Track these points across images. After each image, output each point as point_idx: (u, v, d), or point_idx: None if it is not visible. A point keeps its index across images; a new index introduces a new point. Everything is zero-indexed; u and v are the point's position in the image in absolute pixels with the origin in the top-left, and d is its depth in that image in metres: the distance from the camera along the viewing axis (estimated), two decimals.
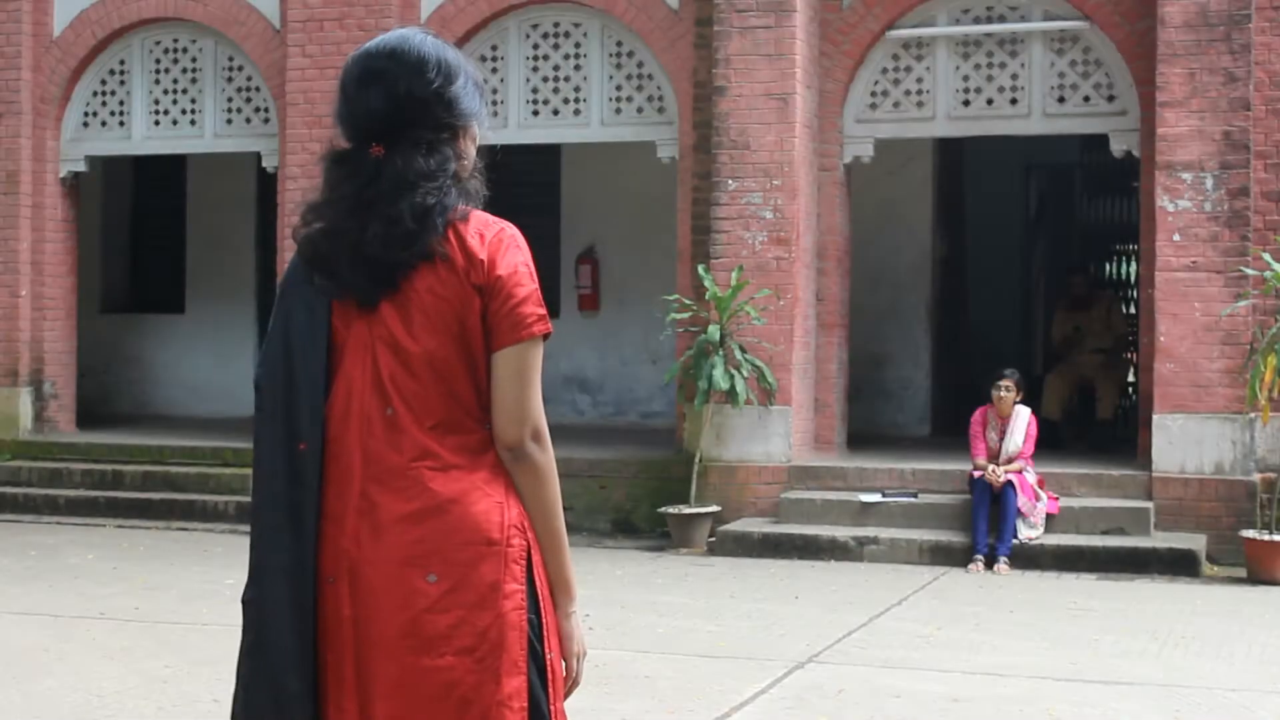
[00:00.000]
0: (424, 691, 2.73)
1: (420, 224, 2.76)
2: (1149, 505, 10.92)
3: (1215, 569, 10.51)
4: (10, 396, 14.11)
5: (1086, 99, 11.94)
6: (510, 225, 2.85)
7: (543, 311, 2.84)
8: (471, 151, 2.94)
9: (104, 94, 14.32)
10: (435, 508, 2.75)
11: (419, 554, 2.74)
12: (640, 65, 12.90)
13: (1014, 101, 12.10)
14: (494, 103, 13.21)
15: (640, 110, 12.93)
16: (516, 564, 2.77)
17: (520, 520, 2.80)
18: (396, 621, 2.73)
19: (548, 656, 2.82)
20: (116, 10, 14.08)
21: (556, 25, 13.10)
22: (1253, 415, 10.82)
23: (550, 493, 2.83)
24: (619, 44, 12.96)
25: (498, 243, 2.80)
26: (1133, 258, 16.46)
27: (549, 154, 15.44)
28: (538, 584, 2.82)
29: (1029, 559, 10.54)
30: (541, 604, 2.82)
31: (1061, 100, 11.99)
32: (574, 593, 2.90)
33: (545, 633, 2.82)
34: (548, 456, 2.82)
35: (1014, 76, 12.08)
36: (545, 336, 2.86)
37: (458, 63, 2.91)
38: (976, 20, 12.18)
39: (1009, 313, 16.71)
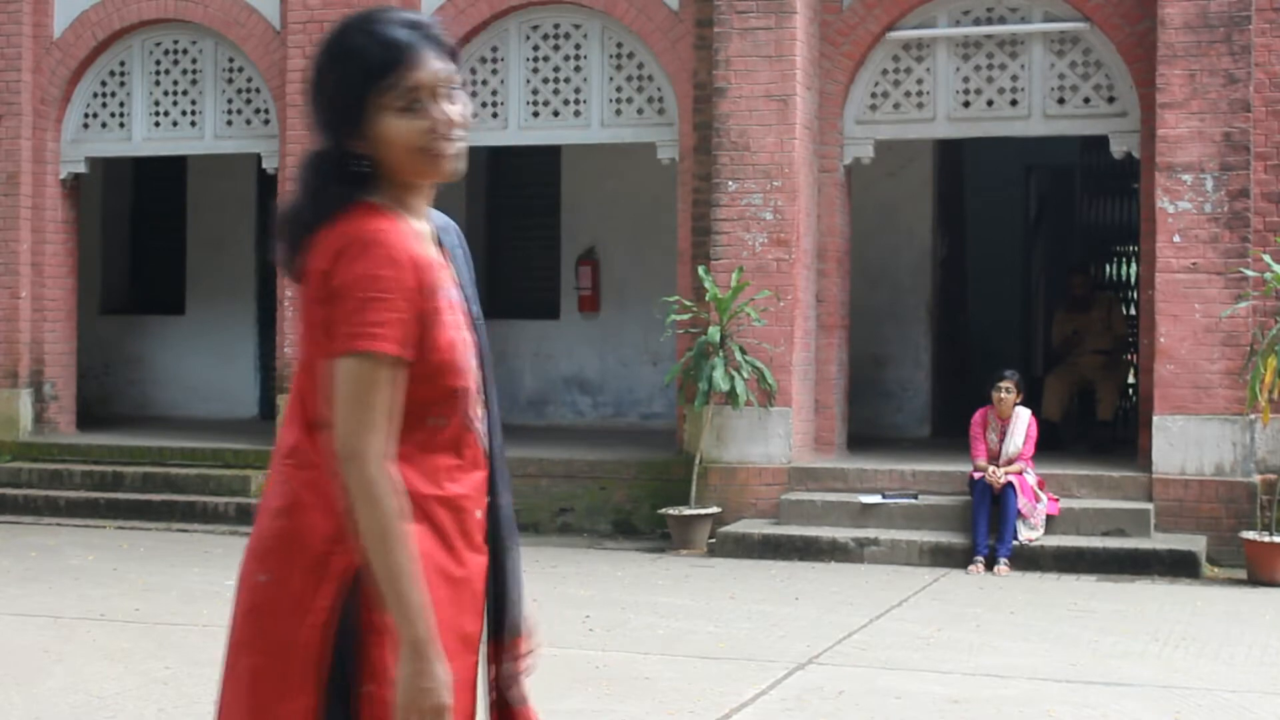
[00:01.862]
0: (231, 689, 2.72)
1: (279, 237, 2.77)
2: (1149, 506, 10.92)
3: (1215, 570, 10.51)
4: (10, 398, 14.11)
5: (1086, 100, 11.95)
6: (376, 232, 2.63)
7: (366, 328, 2.58)
8: (372, 145, 2.70)
9: (104, 95, 14.33)
10: (286, 507, 2.70)
11: (261, 550, 2.72)
12: (640, 66, 12.91)
13: (1014, 103, 12.10)
14: (494, 104, 13.23)
15: (640, 111, 12.93)
16: (332, 581, 2.62)
17: (354, 537, 2.63)
18: (235, 615, 2.75)
19: (364, 690, 2.60)
20: (117, 11, 14.08)
21: (557, 26, 13.11)
22: (1253, 417, 10.82)
23: (366, 522, 2.57)
24: (619, 45, 12.96)
25: (342, 251, 2.61)
26: (1133, 259, 16.46)
27: (549, 155, 15.45)
28: (364, 611, 2.62)
29: (1029, 560, 10.54)
30: (364, 633, 2.61)
31: (1061, 101, 12.00)
32: (414, 637, 2.56)
33: (366, 666, 2.61)
34: (359, 482, 2.58)
35: (1014, 78, 12.08)
36: (385, 358, 2.59)
37: (328, 53, 2.72)
38: (977, 22, 12.19)
39: (1009, 314, 16.71)
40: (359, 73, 2.67)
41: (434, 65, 2.69)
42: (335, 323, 2.60)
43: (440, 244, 2.84)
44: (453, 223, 2.95)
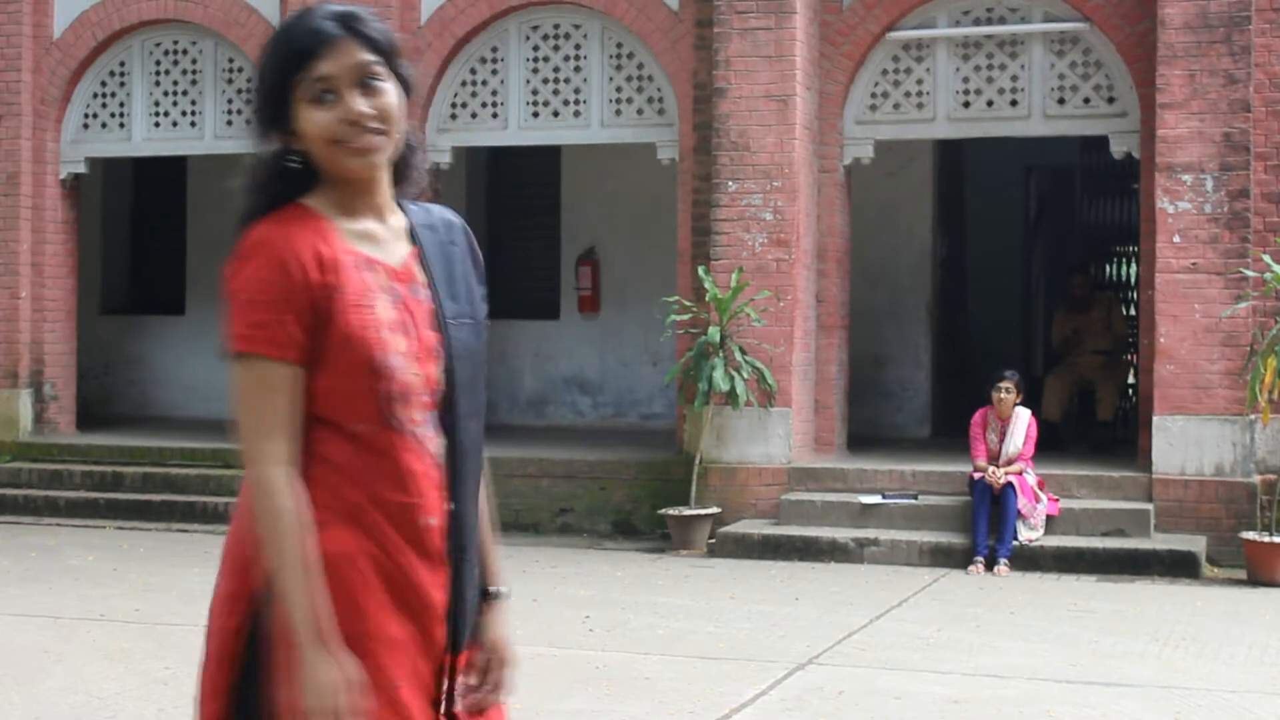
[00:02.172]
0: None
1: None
2: (1149, 507, 10.92)
3: (1215, 570, 10.51)
4: (10, 398, 14.11)
5: (1086, 100, 11.95)
6: (271, 234, 2.65)
7: (249, 330, 2.61)
8: (299, 141, 2.69)
9: (104, 95, 14.33)
10: (239, 510, 2.75)
11: (221, 554, 2.76)
12: (640, 67, 12.91)
13: (1014, 103, 12.10)
14: (494, 104, 13.23)
15: (640, 112, 12.93)
16: (251, 584, 2.62)
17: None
18: None
19: (278, 695, 2.55)
20: (116, 12, 14.08)
21: (556, 27, 13.11)
22: (1253, 417, 10.82)
23: (257, 523, 2.58)
24: (619, 45, 12.96)
25: (239, 255, 2.67)
26: (1133, 259, 16.47)
27: (549, 155, 15.45)
28: (278, 616, 2.58)
29: (1029, 560, 10.54)
30: (276, 637, 2.57)
31: (1061, 102, 12.00)
32: (298, 637, 2.52)
33: (277, 670, 2.56)
34: (252, 483, 2.59)
35: (1014, 78, 12.08)
36: (270, 360, 2.60)
37: (263, 48, 2.74)
38: (976, 22, 12.19)
39: (1009, 314, 16.72)
40: (279, 64, 2.66)
41: (350, 55, 2.65)
42: (228, 325, 2.64)
43: (416, 240, 2.76)
44: (453, 219, 2.87)
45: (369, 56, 2.66)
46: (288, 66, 2.65)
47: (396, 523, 2.63)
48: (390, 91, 2.68)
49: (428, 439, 2.68)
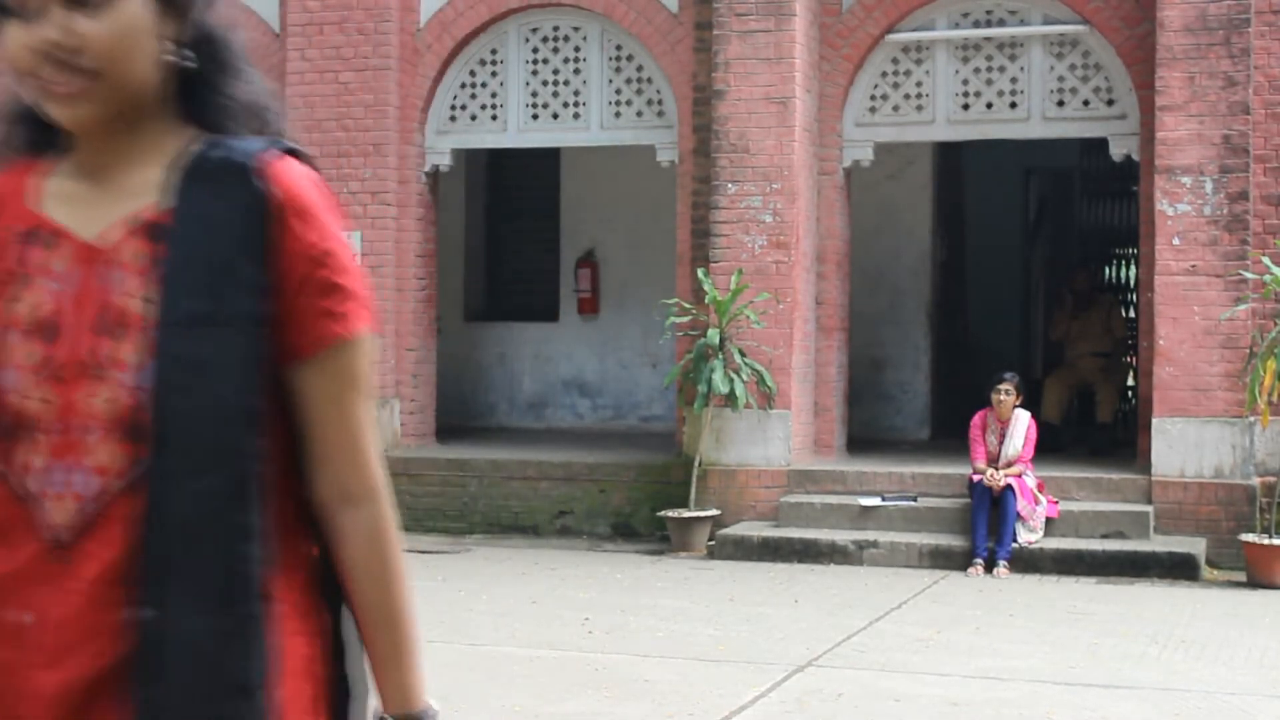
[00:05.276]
0: None
1: None
2: (1148, 509, 10.92)
3: (1215, 573, 10.51)
4: None
5: (1086, 103, 11.95)
6: None
7: None
8: None
9: None
10: None
11: None
12: (640, 69, 12.91)
13: (1013, 105, 12.10)
14: (493, 106, 13.23)
15: (640, 114, 12.93)
16: None
17: None
18: None
19: None
20: None
21: (556, 29, 13.11)
22: (1252, 419, 10.82)
23: None
24: (618, 48, 12.96)
25: None
26: (1132, 261, 16.46)
27: (549, 157, 15.45)
28: None
29: (1028, 562, 10.54)
30: None
31: (1061, 104, 12.00)
32: None
33: None
34: None
35: (1013, 80, 12.08)
36: None
37: None
38: (976, 24, 12.19)
39: (1008, 316, 16.71)
40: None
41: None
42: None
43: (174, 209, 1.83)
44: (245, 160, 1.82)
45: None
46: None
47: None
48: (112, 10, 1.78)
49: (49, 499, 1.79)
